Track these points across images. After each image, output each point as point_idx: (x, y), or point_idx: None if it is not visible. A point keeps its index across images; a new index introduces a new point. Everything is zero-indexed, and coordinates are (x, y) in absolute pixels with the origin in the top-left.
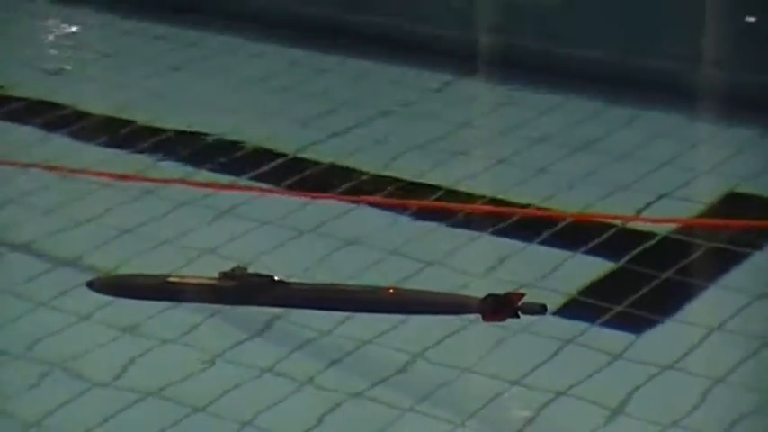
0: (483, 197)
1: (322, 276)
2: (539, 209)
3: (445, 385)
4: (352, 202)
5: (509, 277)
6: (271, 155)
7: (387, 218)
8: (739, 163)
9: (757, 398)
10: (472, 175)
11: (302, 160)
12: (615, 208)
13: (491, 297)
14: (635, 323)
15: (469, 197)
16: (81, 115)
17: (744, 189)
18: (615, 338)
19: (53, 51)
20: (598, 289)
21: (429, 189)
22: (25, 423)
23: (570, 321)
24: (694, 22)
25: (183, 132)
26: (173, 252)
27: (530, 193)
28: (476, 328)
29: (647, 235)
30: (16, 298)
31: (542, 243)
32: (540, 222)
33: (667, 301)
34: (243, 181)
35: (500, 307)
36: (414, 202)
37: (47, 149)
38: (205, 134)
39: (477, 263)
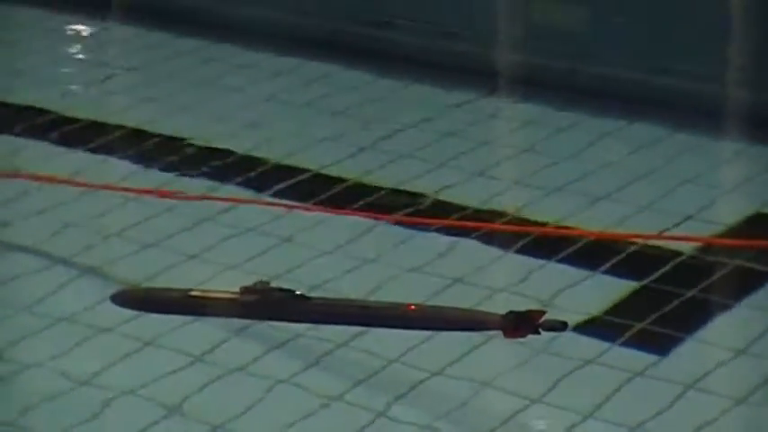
0: (504, 215)
1: (344, 292)
2: (562, 227)
3: (465, 402)
4: (374, 218)
5: (532, 293)
6: (294, 171)
7: (409, 235)
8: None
9: None
10: (496, 193)
11: (326, 176)
12: (639, 227)
13: (512, 314)
14: (658, 342)
15: (491, 215)
16: (102, 129)
17: None
18: (637, 358)
19: (74, 68)
20: (621, 308)
21: (451, 207)
22: None
23: (591, 340)
24: (720, 42)
25: (206, 148)
26: (195, 266)
27: (551, 212)
28: (497, 345)
29: (672, 254)
30: (37, 312)
31: (561, 261)
32: (562, 240)
33: (690, 319)
34: (265, 196)
35: (521, 324)
36: (434, 220)
37: (69, 163)
38: (229, 150)
39: (499, 280)
